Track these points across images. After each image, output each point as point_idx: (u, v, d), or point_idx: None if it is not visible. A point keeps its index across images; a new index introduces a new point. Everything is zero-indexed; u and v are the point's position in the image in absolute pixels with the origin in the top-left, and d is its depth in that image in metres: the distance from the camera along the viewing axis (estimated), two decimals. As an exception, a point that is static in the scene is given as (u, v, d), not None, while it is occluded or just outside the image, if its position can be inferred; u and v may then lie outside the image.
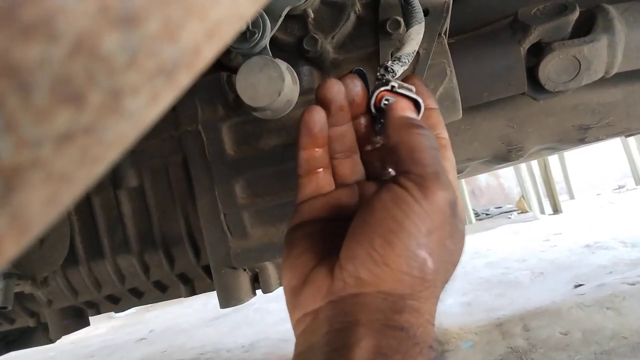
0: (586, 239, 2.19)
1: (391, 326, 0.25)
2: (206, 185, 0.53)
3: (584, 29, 0.59)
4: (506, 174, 4.07)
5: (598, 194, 3.59)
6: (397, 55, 0.36)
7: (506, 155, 0.69)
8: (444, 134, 0.34)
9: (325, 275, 0.28)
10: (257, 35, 0.40)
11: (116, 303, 0.73)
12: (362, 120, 0.34)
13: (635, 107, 0.68)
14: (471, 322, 1.47)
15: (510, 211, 3.79)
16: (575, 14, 0.56)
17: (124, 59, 0.11)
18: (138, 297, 0.72)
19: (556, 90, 0.60)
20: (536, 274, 1.85)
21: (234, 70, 0.43)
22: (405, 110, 0.30)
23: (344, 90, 0.32)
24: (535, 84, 0.61)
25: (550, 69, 0.58)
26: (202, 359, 1.79)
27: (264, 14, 0.40)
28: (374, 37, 0.48)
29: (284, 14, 0.42)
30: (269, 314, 2.13)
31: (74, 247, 0.64)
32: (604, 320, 1.25)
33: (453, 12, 0.48)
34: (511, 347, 1.24)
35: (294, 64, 0.45)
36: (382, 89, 0.32)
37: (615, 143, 3.12)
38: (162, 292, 0.71)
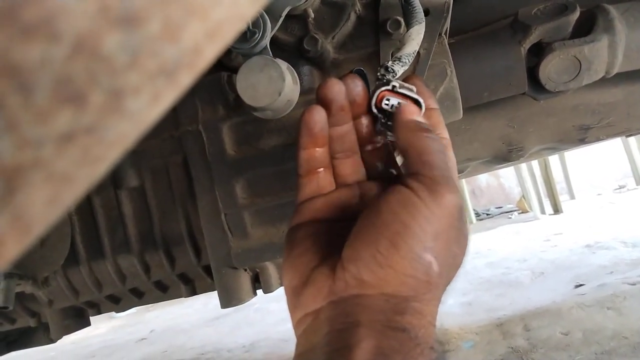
0: (587, 239, 2.19)
1: (392, 327, 0.25)
2: (207, 185, 0.53)
3: (585, 29, 0.59)
4: (507, 174, 4.07)
5: (599, 194, 3.59)
6: (398, 55, 0.36)
7: (506, 155, 0.69)
8: (445, 134, 0.35)
9: (326, 275, 0.28)
10: (257, 35, 0.40)
11: (117, 303, 0.73)
12: (363, 120, 0.34)
13: (636, 107, 0.68)
14: (472, 322, 1.47)
15: (511, 211, 3.78)
16: (576, 14, 0.56)
17: (125, 59, 0.12)
18: (139, 297, 0.72)
19: (557, 90, 0.60)
20: (537, 274, 1.85)
21: (235, 70, 0.43)
22: (414, 113, 0.30)
23: (344, 90, 0.32)
24: (535, 84, 0.61)
25: (550, 69, 0.58)
26: (202, 359, 1.79)
27: (265, 14, 0.40)
28: (374, 37, 0.48)
29: (284, 14, 0.42)
30: (269, 314, 2.13)
31: (74, 247, 0.64)
32: (604, 320, 1.25)
33: (453, 12, 0.48)
34: (512, 347, 1.23)
35: (294, 63, 0.45)
36: (383, 89, 0.32)
37: (616, 143, 3.12)
38: (163, 292, 0.71)
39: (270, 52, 0.42)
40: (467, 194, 3.71)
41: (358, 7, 0.48)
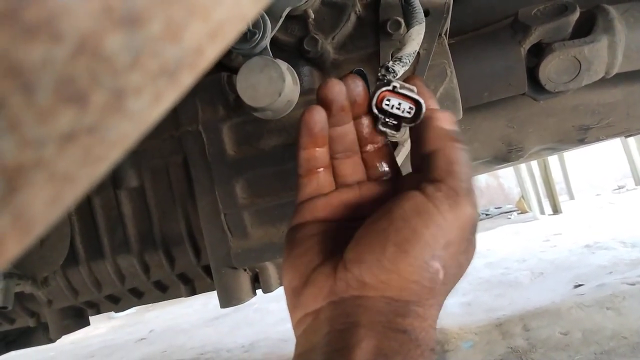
0: (586, 239, 2.19)
1: (393, 328, 0.25)
2: (206, 186, 0.53)
3: (585, 29, 0.59)
4: (506, 174, 4.07)
5: (598, 195, 3.59)
6: (398, 55, 0.36)
7: (506, 155, 0.70)
8: None
9: (327, 275, 0.28)
10: (257, 35, 0.40)
11: (116, 303, 0.73)
12: (363, 121, 0.34)
13: (635, 108, 0.68)
14: (471, 322, 1.47)
15: (510, 211, 3.79)
16: (576, 15, 0.56)
17: (127, 60, 0.12)
18: (138, 297, 0.72)
19: (556, 90, 0.60)
20: (536, 274, 1.85)
21: (235, 71, 0.43)
22: (448, 121, 0.30)
23: (345, 91, 0.32)
24: (535, 84, 0.61)
25: (550, 69, 0.58)
26: (202, 359, 1.79)
27: (265, 14, 0.40)
28: (374, 37, 0.48)
29: (284, 14, 0.42)
30: (269, 314, 2.13)
31: (74, 247, 0.64)
32: (604, 320, 1.25)
33: (453, 13, 0.48)
34: (511, 347, 1.24)
35: (294, 64, 0.45)
36: (384, 89, 0.32)
37: (615, 143, 3.12)
38: (163, 292, 0.71)
39: (271, 53, 0.42)
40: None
41: (358, 7, 0.48)
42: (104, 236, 0.63)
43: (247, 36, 0.40)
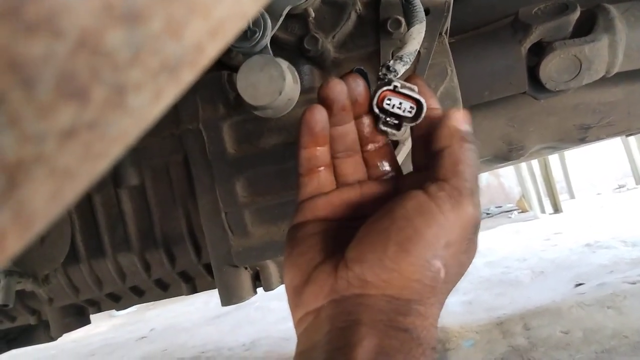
0: (587, 238, 2.19)
1: (394, 327, 0.25)
2: (207, 184, 0.54)
3: (585, 28, 0.59)
4: (506, 173, 4.07)
5: (598, 194, 3.59)
6: (399, 54, 0.36)
7: (507, 154, 0.69)
8: None
9: (328, 273, 0.28)
10: (258, 34, 0.40)
11: (117, 301, 0.73)
12: (364, 120, 0.34)
13: (636, 107, 0.68)
14: (472, 321, 1.47)
15: (511, 210, 3.78)
16: (576, 14, 0.56)
17: (127, 56, 0.12)
18: (139, 295, 0.72)
19: (557, 89, 0.60)
20: (537, 273, 1.85)
21: (235, 69, 0.43)
22: (463, 121, 0.29)
23: (346, 90, 0.32)
24: (536, 83, 0.61)
25: (551, 68, 0.58)
26: (203, 358, 1.80)
27: (265, 13, 0.40)
28: (374, 36, 0.48)
29: (284, 13, 0.42)
30: (270, 313, 2.13)
31: (74, 245, 0.64)
32: (604, 319, 1.25)
33: (454, 12, 0.48)
34: (512, 346, 1.24)
35: (294, 63, 0.45)
36: (385, 88, 0.32)
37: (616, 142, 3.12)
38: (164, 290, 0.71)
39: (271, 51, 0.42)
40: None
41: (358, 6, 0.48)
42: (105, 234, 0.63)
43: (248, 35, 0.40)
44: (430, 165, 0.29)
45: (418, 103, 0.32)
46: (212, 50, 0.14)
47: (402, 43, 0.38)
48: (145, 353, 2.04)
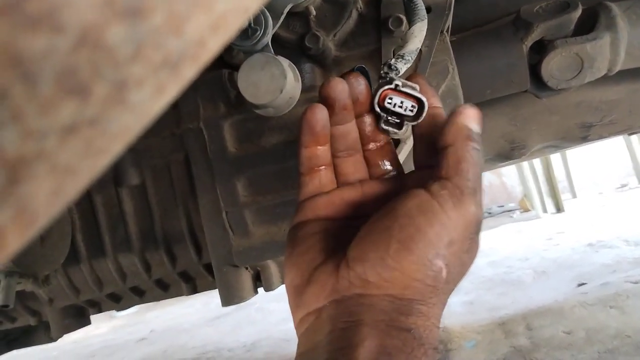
0: (589, 237, 2.18)
1: (396, 327, 0.25)
2: (208, 183, 0.53)
3: (587, 26, 0.58)
4: (508, 173, 4.06)
5: (600, 193, 3.58)
6: (401, 53, 0.36)
7: (509, 153, 0.69)
8: None
9: (329, 273, 0.28)
10: (259, 32, 0.40)
11: (117, 301, 0.73)
12: (365, 119, 0.34)
13: (638, 105, 0.68)
14: (474, 322, 1.47)
15: (513, 210, 3.78)
16: (578, 12, 0.56)
17: (129, 51, 0.11)
18: (139, 295, 0.72)
19: (559, 87, 0.59)
20: (539, 272, 1.84)
21: (236, 68, 0.43)
22: (473, 119, 0.29)
23: (347, 89, 0.32)
24: (537, 81, 0.60)
25: (552, 66, 0.58)
26: (203, 359, 1.79)
27: (266, 11, 0.40)
28: (376, 34, 0.48)
29: (285, 11, 0.42)
30: (270, 314, 2.13)
31: (75, 245, 0.64)
32: (607, 319, 1.24)
33: (455, 10, 0.48)
34: (514, 347, 1.23)
35: (295, 61, 0.44)
36: (386, 87, 0.32)
37: (618, 141, 3.11)
38: (164, 290, 0.71)
39: (272, 50, 0.42)
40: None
41: (360, 4, 0.48)
42: (106, 234, 0.63)
43: (249, 33, 0.40)
44: (433, 163, 0.29)
45: (419, 102, 0.32)
46: (213, 45, 0.14)
47: (403, 41, 0.38)
48: (146, 354, 2.04)
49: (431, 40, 0.46)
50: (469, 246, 0.28)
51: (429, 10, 0.44)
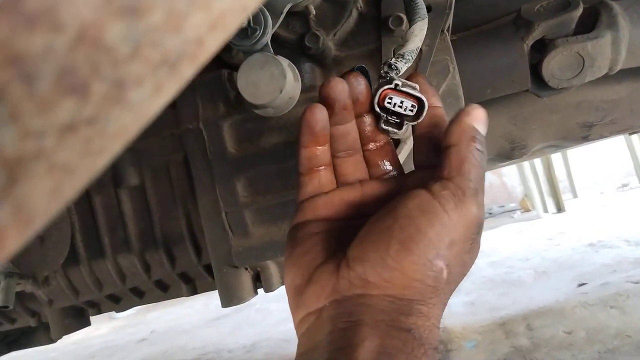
0: (590, 237, 2.18)
1: (397, 327, 0.25)
2: (207, 184, 0.53)
3: (588, 25, 0.58)
4: (509, 173, 4.06)
5: (601, 193, 3.58)
6: (401, 52, 0.36)
7: (509, 152, 0.69)
8: None
9: (330, 274, 0.28)
10: (258, 32, 0.40)
11: (117, 302, 0.73)
12: (365, 119, 0.34)
13: (639, 104, 0.68)
14: (474, 322, 1.47)
15: (513, 210, 3.78)
16: (579, 10, 0.56)
17: (127, 50, 0.11)
18: (139, 296, 0.72)
19: (560, 87, 0.59)
20: (539, 273, 1.84)
21: (235, 68, 0.43)
22: (479, 119, 0.29)
23: (347, 89, 0.32)
24: (538, 80, 0.60)
25: (553, 65, 0.58)
26: None
27: (266, 10, 0.40)
28: (376, 33, 0.48)
29: (285, 10, 0.42)
30: (270, 314, 2.13)
31: (74, 246, 0.64)
32: (607, 319, 1.24)
33: (456, 9, 0.48)
34: (515, 347, 1.23)
35: (295, 61, 0.44)
36: (386, 87, 0.32)
37: (619, 141, 3.11)
38: (164, 291, 0.71)
39: (272, 49, 0.41)
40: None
41: (360, 3, 0.48)
42: (105, 235, 0.63)
43: (248, 32, 0.40)
44: (434, 163, 0.29)
45: (419, 101, 0.32)
46: (212, 44, 0.14)
47: (403, 40, 0.38)
48: (146, 355, 2.03)
49: (432, 40, 0.46)
50: (470, 247, 0.27)
51: (429, 9, 0.44)
